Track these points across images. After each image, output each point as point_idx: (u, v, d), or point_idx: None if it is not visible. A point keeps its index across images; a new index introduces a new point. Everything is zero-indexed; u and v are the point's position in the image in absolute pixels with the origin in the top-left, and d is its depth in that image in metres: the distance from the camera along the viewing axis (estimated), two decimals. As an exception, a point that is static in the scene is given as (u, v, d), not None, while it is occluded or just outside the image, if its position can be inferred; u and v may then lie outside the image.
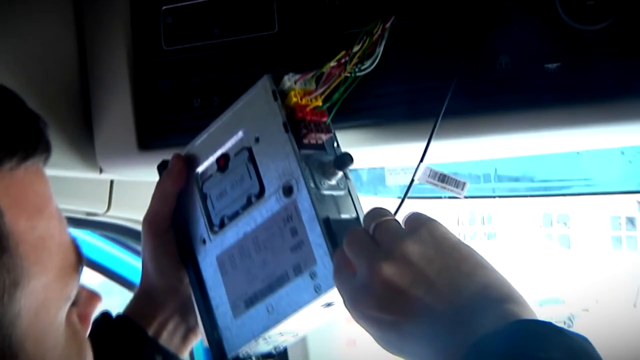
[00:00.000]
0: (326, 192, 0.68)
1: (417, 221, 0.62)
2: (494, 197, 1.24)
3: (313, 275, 0.66)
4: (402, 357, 0.60)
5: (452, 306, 0.57)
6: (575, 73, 0.66)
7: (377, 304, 0.59)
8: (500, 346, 0.52)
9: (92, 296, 0.59)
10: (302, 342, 1.23)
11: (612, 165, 1.20)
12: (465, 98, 0.70)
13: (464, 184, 0.69)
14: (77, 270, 0.54)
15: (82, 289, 0.56)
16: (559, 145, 0.77)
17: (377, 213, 0.64)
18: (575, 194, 1.27)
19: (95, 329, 0.64)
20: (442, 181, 0.69)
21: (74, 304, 0.54)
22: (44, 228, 0.51)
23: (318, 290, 0.66)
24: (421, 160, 0.69)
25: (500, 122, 0.71)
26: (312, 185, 0.67)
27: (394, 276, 0.58)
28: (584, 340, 0.52)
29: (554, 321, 0.54)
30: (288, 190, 0.69)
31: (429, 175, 0.68)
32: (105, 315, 0.79)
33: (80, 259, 0.54)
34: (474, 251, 0.61)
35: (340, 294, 0.63)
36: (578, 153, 1.14)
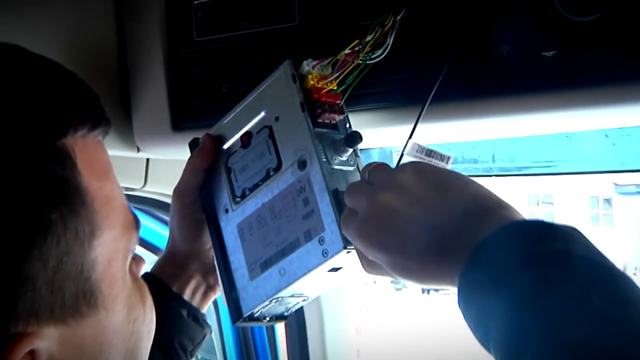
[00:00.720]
0: (336, 167, 0.68)
1: (404, 164, 0.63)
2: (490, 176, 1.23)
3: (321, 241, 0.66)
4: (412, 282, 0.58)
5: (448, 219, 0.56)
6: (569, 60, 0.66)
7: (379, 228, 0.58)
8: (502, 244, 0.51)
9: (139, 259, 0.61)
10: (317, 305, 1.22)
11: (596, 147, 1.18)
12: (470, 83, 0.70)
13: (448, 158, 0.68)
14: (136, 228, 0.55)
15: None
16: (553, 127, 0.77)
17: (369, 164, 0.65)
18: (561, 173, 1.26)
19: None
20: (429, 156, 0.68)
21: (132, 258, 0.56)
22: (110, 189, 0.52)
23: (325, 255, 0.66)
24: (410, 137, 0.68)
25: (502, 105, 0.70)
26: (323, 159, 0.67)
27: (390, 201, 0.58)
28: (573, 229, 0.52)
29: None
30: (302, 164, 0.68)
31: (417, 150, 0.68)
32: None
33: (136, 220, 0.56)
34: (460, 173, 0.60)
35: (349, 237, 0.62)
36: (568, 136, 1.13)
